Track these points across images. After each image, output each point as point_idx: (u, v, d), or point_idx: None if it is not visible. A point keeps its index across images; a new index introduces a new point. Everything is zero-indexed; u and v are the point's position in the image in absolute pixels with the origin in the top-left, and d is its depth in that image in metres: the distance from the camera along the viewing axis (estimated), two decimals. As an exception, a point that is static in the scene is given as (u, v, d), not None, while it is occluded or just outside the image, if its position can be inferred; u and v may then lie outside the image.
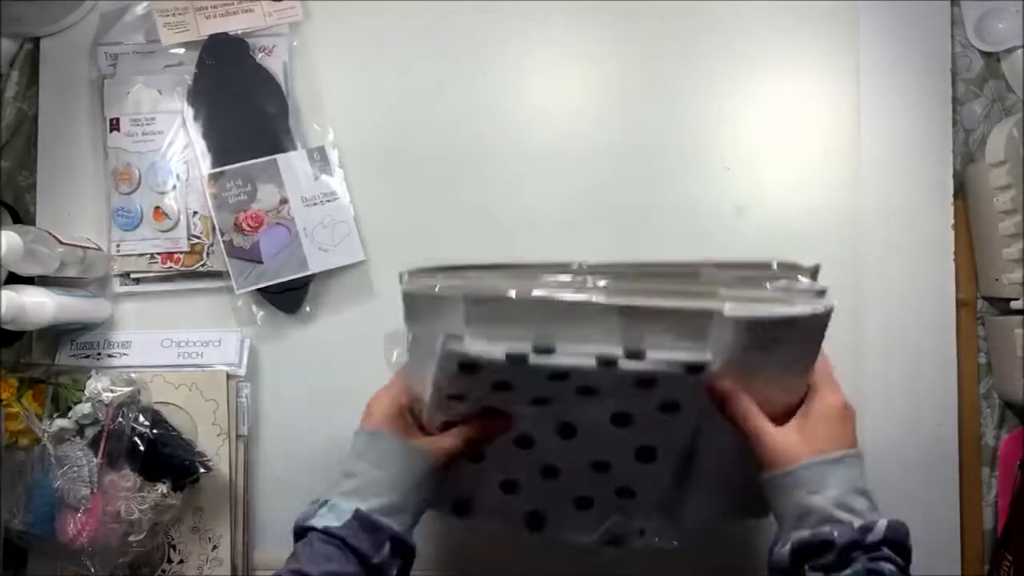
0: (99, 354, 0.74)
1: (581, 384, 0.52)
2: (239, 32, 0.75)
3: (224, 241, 0.72)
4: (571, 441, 0.59)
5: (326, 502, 0.55)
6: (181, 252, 0.74)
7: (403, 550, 0.55)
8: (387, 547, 0.54)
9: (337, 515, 0.54)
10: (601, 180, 0.75)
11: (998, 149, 0.71)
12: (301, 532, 0.55)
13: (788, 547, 0.50)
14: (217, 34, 0.74)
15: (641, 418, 0.57)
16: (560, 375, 0.50)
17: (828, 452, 0.51)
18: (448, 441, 0.57)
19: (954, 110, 0.73)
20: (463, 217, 0.76)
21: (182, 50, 0.75)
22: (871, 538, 0.48)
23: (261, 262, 0.72)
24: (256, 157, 0.73)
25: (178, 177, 0.74)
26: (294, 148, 0.74)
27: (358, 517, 0.53)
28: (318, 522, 0.54)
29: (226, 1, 0.75)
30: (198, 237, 0.74)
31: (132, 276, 0.75)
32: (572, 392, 0.53)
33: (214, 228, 0.73)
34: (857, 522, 0.49)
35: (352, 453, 0.57)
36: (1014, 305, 0.73)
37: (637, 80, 0.76)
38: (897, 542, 0.49)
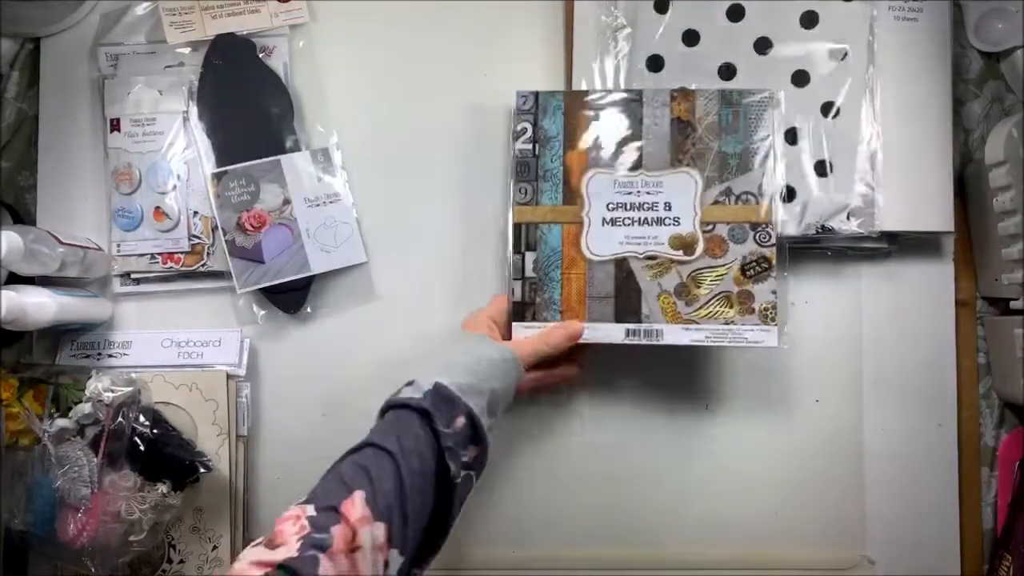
0: (99, 354, 0.74)
1: None
2: (244, 33, 0.75)
3: (227, 240, 0.72)
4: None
5: (412, 382, 0.57)
6: (182, 252, 0.74)
7: (476, 437, 0.56)
8: (460, 422, 0.55)
9: (417, 389, 0.56)
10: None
11: (998, 149, 0.71)
12: (385, 411, 0.56)
13: None
14: (224, 34, 0.74)
15: None
16: None
17: None
18: (531, 344, 0.64)
19: (954, 110, 0.73)
20: (465, 219, 0.76)
21: (184, 50, 0.75)
22: None
23: (263, 262, 0.72)
24: (260, 157, 0.73)
25: (179, 177, 0.74)
26: (298, 149, 0.74)
27: (437, 388, 0.55)
28: (399, 398, 0.56)
29: (233, 1, 0.75)
30: (199, 237, 0.74)
31: (132, 276, 0.75)
32: None
33: (215, 228, 0.73)
34: None
35: (446, 347, 0.63)
36: (1014, 305, 0.73)
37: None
38: None
